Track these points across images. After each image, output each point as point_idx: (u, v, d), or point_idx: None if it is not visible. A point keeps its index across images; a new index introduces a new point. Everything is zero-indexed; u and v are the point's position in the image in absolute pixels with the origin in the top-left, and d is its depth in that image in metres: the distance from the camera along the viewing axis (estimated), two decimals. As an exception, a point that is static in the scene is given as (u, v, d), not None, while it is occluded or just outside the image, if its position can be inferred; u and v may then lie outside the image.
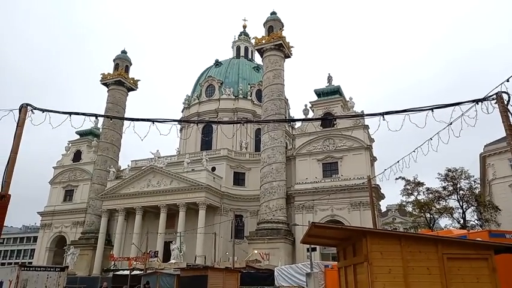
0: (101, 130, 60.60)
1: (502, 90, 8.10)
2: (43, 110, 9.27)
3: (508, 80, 7.66)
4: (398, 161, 12.38)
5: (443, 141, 9.52)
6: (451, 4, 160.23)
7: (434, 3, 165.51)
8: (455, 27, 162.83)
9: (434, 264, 6.65)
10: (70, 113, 9.24)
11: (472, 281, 6.54)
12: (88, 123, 62.41)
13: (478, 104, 8.30)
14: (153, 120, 9.61)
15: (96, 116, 9.30)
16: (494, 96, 8.21)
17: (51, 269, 19.93)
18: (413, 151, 10.92)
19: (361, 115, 10.46)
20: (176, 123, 10.39)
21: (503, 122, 8.30)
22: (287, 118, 57.55)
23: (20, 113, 9.35)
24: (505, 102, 8.14)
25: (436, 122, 8.55)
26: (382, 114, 8.54)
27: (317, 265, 20.39)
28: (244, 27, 77.74)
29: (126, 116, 59.13)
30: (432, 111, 8.43)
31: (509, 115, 8.21)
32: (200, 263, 38.49)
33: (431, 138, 10.02)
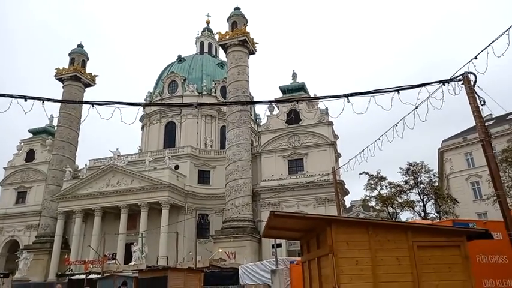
0: (56, 128, 57.47)
1: (469, 71, 7.76)
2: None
3: (476, 57, 7.32)
4: (363, 150, 12.01)
5: (409, 126, 9.14)
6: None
7: None
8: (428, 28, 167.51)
9: (404, 254, 6.10)
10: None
11: (444, 270, 6.05)
12: (42, 121, 58.49)
13: (444, 85, 7.93)
14: (116, 102, 8.57)
15: (24, 98, 8.04)
16: (461, 77, 7.87)
17: (-7, 276, 18.25)
18: (378, 138, 10.54)
19: (325, 97, 9.84)
20: (140, 108, 9.36)
21: (470, 103, 7.97)
22: (251, 113, 56.75)
23: None
24: (472, 83, 7.81)
25: (403, 104, 8.11)
26: (347, 95, 7.99)
27: (282, 261, 19.86)
28: (208, 23, 76.40)
29: (82, 113, 56.49)
30: (398, 92, 7.98)
31: (476, 96, 7.91)
32: (163, 264, 37.11)
33: (396, 125, 9.63)
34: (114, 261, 38.26)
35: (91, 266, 35.22)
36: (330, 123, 46.41)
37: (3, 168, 58.18)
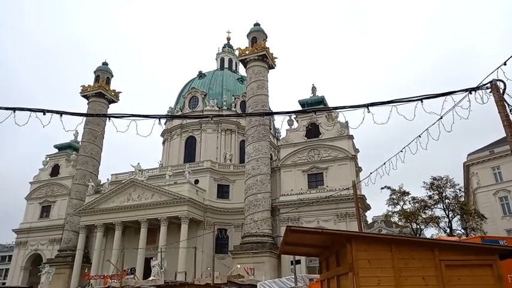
0: (80, 143, 58.79)
1: (497, 78, 7.33)
2: (-17, 106, 8.14)
3: (505, 63, 6.90)
4: (384, 163, 11.53)
5: (433, 137, 8.69)
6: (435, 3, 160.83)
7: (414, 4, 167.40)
8: (438, 25, 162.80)
9: (430, 273, 5.65)
10: (14, 109, 8.12)
11: (475, 291, 5.58)
12: (68, 137, 60.06)
13: (471, 93, 7.52)
14: (133, 115, 8.58)
15: (43, 111, 8.15)
16: (489, 84, 7.44)
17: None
18: (401, 151, 10.09)
19: (344, 107, 9.50)
20: (156, 120, 9.35)
21: (499, 112, 7.51)
22: (270, 127, 56.55)
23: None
24: (501, 91, 7.36)
25: (426, 113, 7.70)
26: (367, 105, 7.68)
27: (301, 279, 19.30)
28: (228, 39, 77.46)
29: (106, 129, 57.65)
30: (421, 102, 7.60)
31: (506, 105, 7.44)
32: (181, 279, 36.81)
33: (419, 136, 9.19)
34: (132, 276, 38.22)
35: (110, 281, 35.27)
36: (351, 137, 45.71)
37: (29, 182, 59.73)
